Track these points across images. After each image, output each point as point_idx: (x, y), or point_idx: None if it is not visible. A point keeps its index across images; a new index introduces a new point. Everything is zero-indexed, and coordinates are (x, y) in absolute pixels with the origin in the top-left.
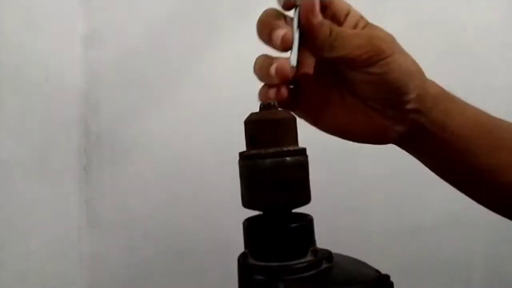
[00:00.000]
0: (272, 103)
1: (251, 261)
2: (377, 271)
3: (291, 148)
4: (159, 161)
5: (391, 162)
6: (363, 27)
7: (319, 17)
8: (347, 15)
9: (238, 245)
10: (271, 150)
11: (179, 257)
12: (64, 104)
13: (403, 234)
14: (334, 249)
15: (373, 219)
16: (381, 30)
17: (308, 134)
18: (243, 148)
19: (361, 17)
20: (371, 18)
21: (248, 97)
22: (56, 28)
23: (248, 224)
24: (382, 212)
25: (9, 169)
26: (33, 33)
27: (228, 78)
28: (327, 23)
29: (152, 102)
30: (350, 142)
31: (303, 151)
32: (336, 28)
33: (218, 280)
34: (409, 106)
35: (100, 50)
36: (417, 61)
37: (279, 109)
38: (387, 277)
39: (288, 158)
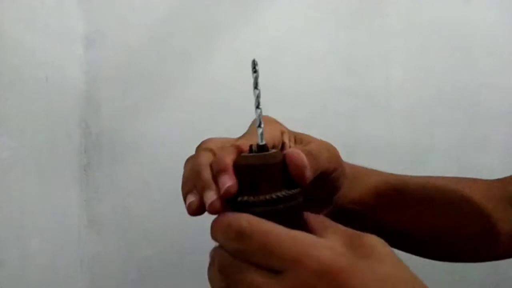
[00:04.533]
0: (264, 145)
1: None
2: None
3: (283, 193)
4: (159, 161)
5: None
6: (300, 140)
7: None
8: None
9: None
10: (262, 197)
11: (179, 257)
12: (64, 104)
13: None
14: None
15: None
16: (320, 140)
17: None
18: None
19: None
20: (372, 19)
21: (248, 97)
22: (56, 28)
23: None
24: None
25: (9, 169)
26: (33, 33)
27: (228, 78)
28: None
29: (152, 102)
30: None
31: (294, 196)
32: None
33: None
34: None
35: (100, 50)
36: (417, 60)
37: (272, 150)
38: None
39: (280, 206)
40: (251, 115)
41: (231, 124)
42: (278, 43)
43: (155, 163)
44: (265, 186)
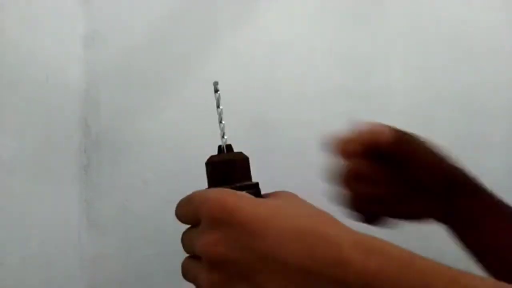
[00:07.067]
0: (229, 145)
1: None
2: None
3: (244, 183)
4: (159, 161)
5: None
6: None
7: None
8: None
9: None
10: (233, 186)
11: (179, 257)
12: (64, 104)
13: (402, 233)
14: None
15: None
16: None
17: None
18: (243, 147)
19: None
20: (371, 18)
21: (248, 96)
22: (56, 28)
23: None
24: None
25: (9, 169)
26: (33, 33)
27: (228, 77)
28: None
29: (152, 101)
30: None
31: (254, 185)
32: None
33: None
34: None
35: (100, 50)
36: (417, 60)
37: (236, 151)
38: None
39: (250, 192)
40: (251, 114)
41: (232, 124)
42: (278, 43)
43: (155, 163)
44: (235, 177)
